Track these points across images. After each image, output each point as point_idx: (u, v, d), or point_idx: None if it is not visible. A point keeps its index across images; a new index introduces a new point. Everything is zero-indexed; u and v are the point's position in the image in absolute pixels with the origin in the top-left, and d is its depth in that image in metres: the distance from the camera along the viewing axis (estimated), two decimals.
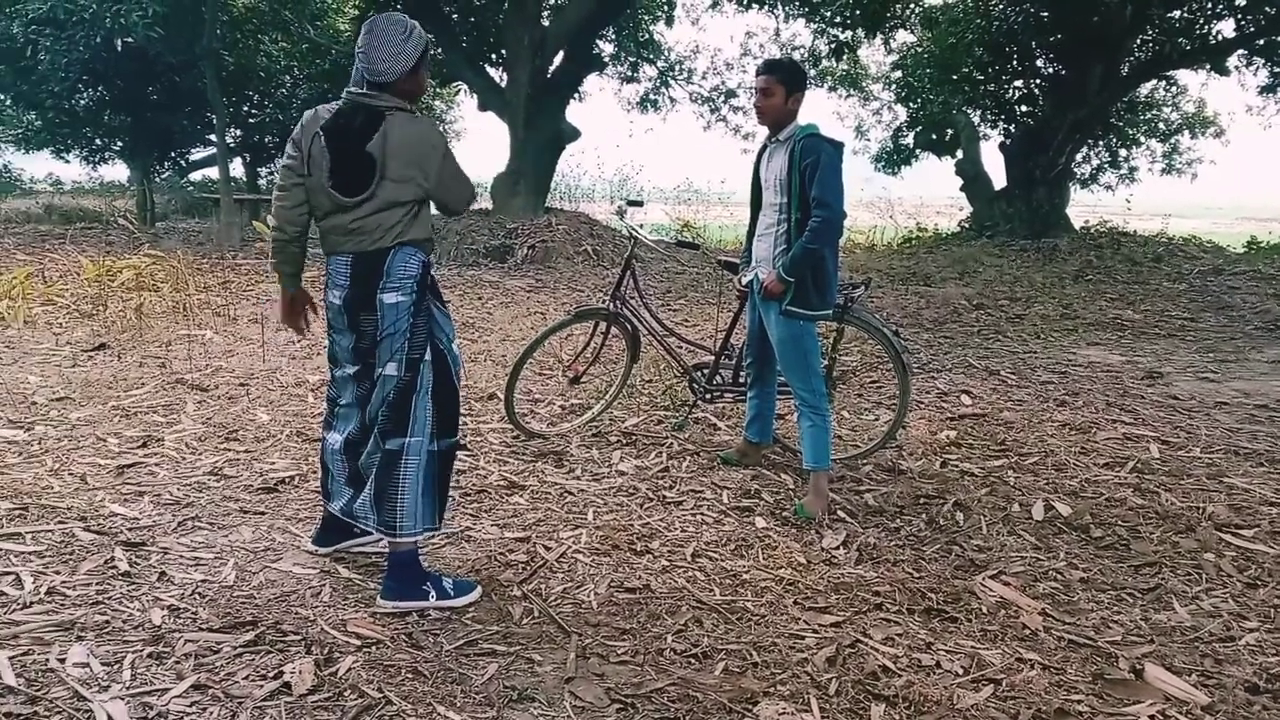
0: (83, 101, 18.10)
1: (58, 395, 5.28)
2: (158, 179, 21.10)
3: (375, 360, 2.98)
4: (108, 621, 2.75)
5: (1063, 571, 3.35)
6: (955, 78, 16.02)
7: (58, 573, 3.05)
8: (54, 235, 15.19)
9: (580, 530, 3.62)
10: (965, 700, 2.49)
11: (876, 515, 3.89)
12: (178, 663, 2.55)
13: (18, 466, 4.08)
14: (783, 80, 3.82)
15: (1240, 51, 15.61)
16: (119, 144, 19.97)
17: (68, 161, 20.97)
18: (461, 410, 3.75)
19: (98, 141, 19.90)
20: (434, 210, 3.12)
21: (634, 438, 4.88)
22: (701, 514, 3.85)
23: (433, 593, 2.97)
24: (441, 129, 2.85)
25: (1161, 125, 20.72)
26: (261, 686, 2.44)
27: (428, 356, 3.00)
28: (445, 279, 11.41)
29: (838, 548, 3.53)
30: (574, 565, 3.31)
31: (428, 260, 3.05)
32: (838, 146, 3.82)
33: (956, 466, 4.54)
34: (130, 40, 13.75)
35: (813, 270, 3.78)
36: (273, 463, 4.29)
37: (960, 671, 2.65)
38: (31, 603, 2.84)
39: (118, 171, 25.11)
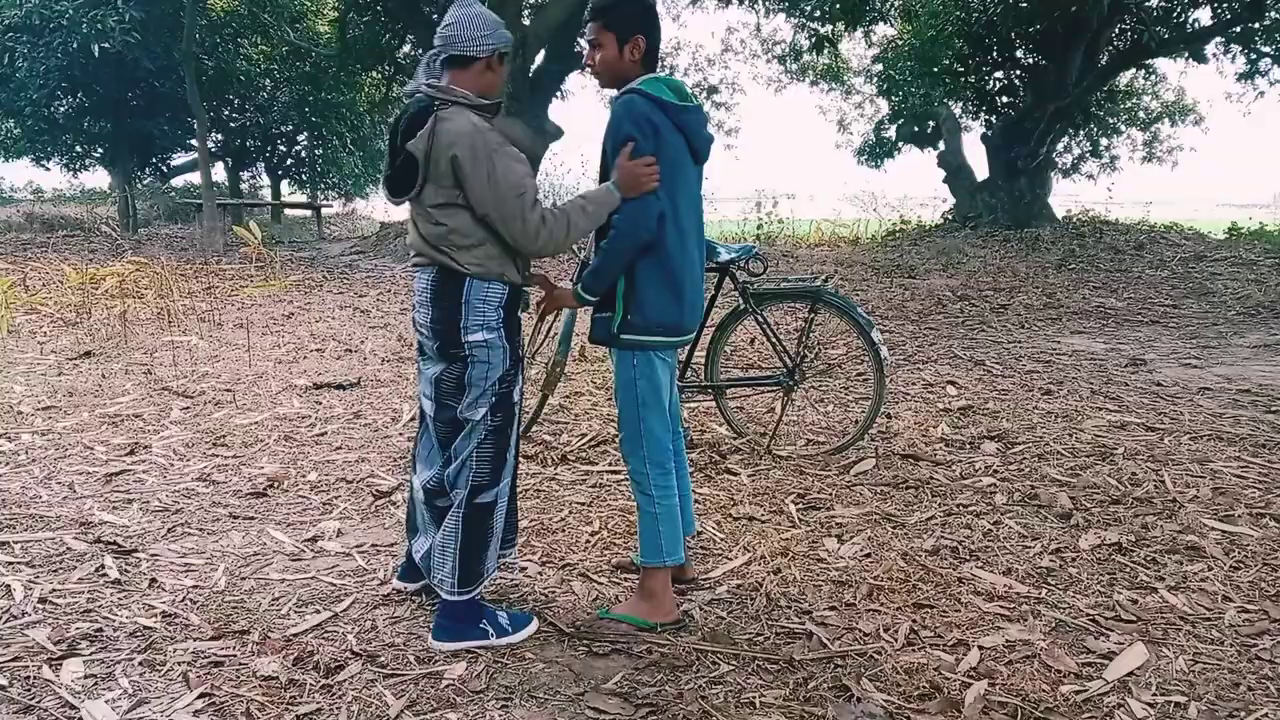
0: (62, 108, 18.00)
1: (43, 404, 5.25)
2: (139, 185, 20.99)
3: (458, 400, 2.72)
4: (99, 630, 2.75)
5: (1050, 558, 3.38)
6: (936, 70, 16.07)
7: (48, 582, 3.04)
8: (36, 244, 15.09)
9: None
10: (956, 687, 2.51)
11: (865, 505, 3.91)
12: (170, 670, 2.54)
13: (5, 476, 4.06)
14: (609, 25, 2.80)
15: (1218, 39, 15.73)
16: (99, 150, 19.88)
17: (48, 169, 20.88)
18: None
19: (78, 148, 19.80)
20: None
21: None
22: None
23: (491, 631, 2.73)
24: (502, 137, 2.64)
25: (1141, 114, 20.86)
26: (259, 692, 2.44)
27: (515, 398, 2.78)
28: None
29: (828, 539, 3.55)
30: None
31: (512, 296, 2.74)
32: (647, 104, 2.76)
33: (943, 456, 4.56)
34: (108, 46, 13.68)
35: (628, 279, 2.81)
36: (261, 467, 4.28)
37: (952, 659, 2.67)
38: (23, 612, 2.83)
39: (99, 178, 25.05)
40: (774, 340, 4.61)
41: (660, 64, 3.01)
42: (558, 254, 3.01)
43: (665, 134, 2.75)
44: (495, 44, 2.67)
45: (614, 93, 2.87)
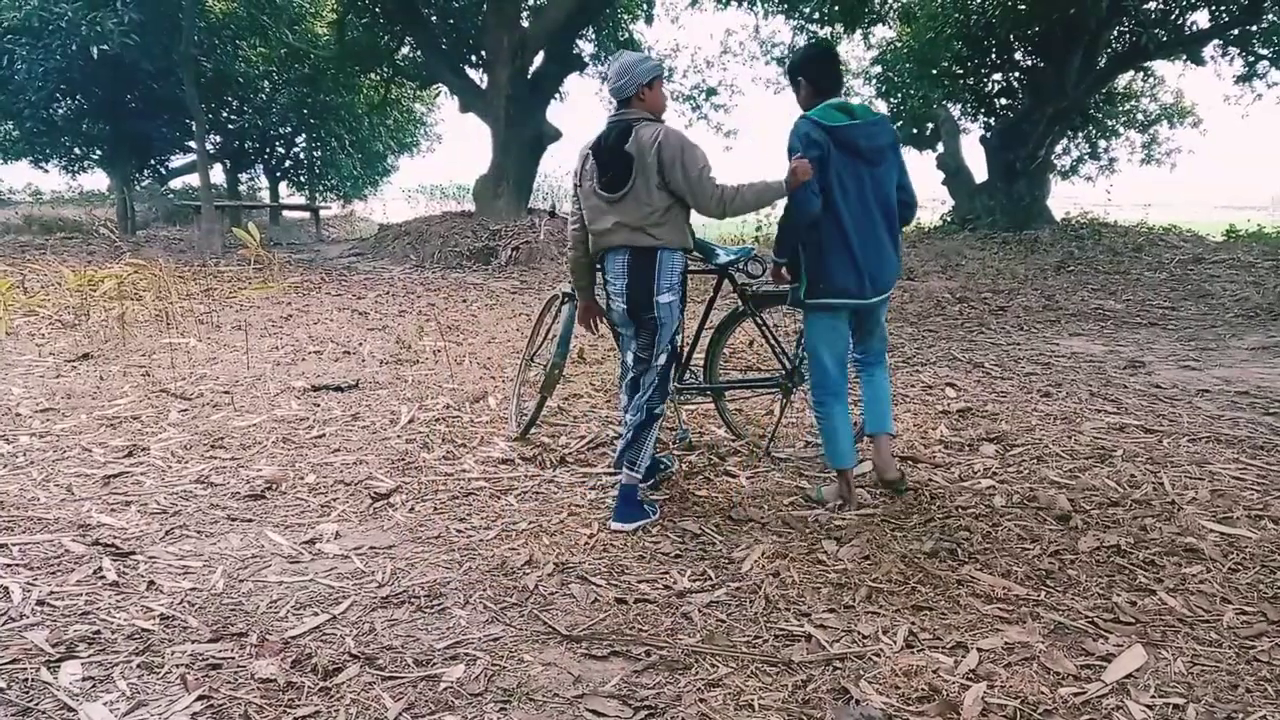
0: (60, 110, 17.99)
1: (42, 406, 5.25)
2: (138, 187, 20.97)
3: (652, 351, 3.72)
4: (97, 632, 2.74)
5: (1049, 560, 3.38)
6: (934, 72, 16.10)
7: (46, 584, 3.04)
8: (34, 245, 15.09)
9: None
10: (955, 689, 2.51)
11: (864, 507, 3.91)
12: (168, 672, 2.54)
13: (3, 478, 4.06)
14: (791, 76, 4.01)
15: (1215, 42, 15.76)
16: (98, 152, 19.87)
17: (46, 171, 20.86)
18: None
19: (76, 150, 19.78)
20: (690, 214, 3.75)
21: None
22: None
23: (650, 514, 3.75)
24: (684, 134, 3.67)
25: (1140, 116, 20.86)
26: (257, 695, 2.44)
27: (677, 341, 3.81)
28: (429, 282, 11.40)
29: (827, 541, 3.55)
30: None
31: (687, 262, 3.82)
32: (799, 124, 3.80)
33: (942, 458, 4.56)
34: (107, 48, 13.68)
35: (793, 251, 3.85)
36: (259, 469, 4.28)
37: (951, 662, 2.67)
38: (21, 614, 2.82)
39: (97, 180, 25.03)
40: (773, 342, 4.61)
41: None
42: (728, 217, 3.88)
43: (823, 144, 3.65)
44: (639, 78, 3.65)
45: None
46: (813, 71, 3.89)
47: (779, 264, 3.92)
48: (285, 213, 23.15)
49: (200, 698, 2.42)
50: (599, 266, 3.88)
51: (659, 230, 3.61)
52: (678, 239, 3.67)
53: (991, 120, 17.27)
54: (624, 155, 3.58)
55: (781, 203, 3.82)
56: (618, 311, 3.78)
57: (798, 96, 3.93)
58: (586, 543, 3.51)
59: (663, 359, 3.73)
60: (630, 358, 3.85)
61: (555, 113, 43.21)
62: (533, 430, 4.87)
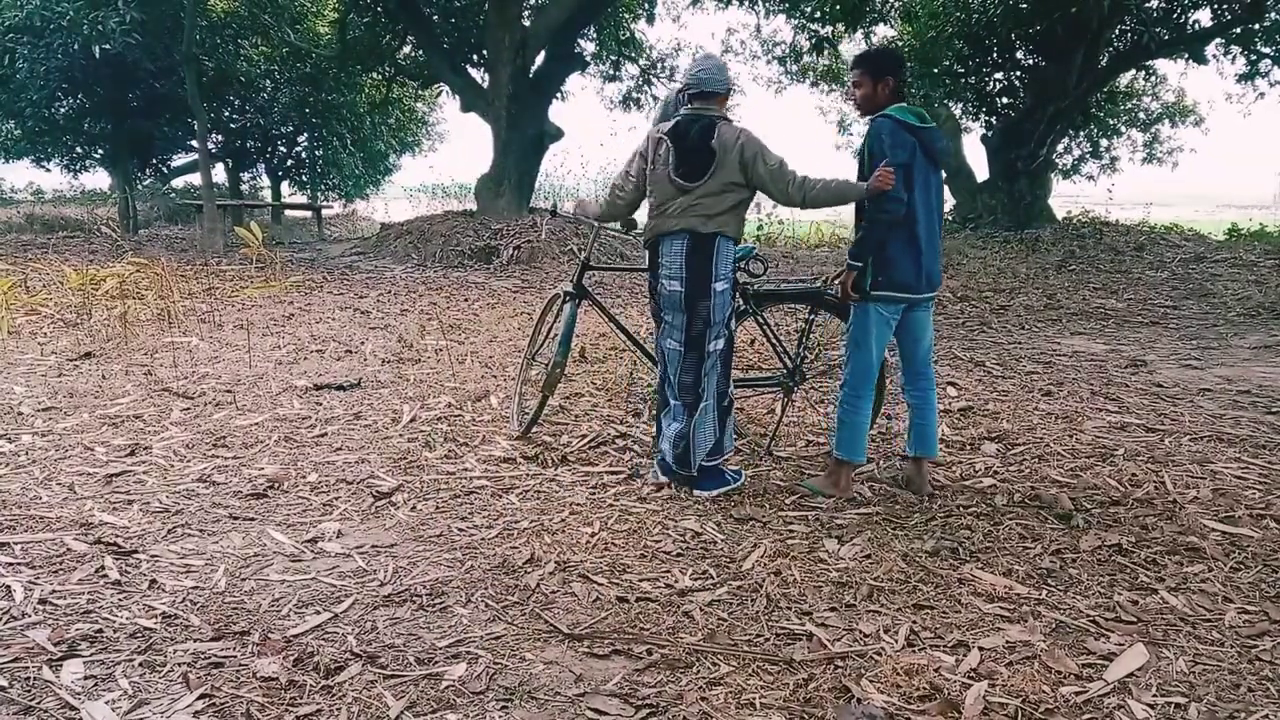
0: (62, 109, 17.98)
1: (44, 405, 5.26)
2: (139, 186, 20.97)
3: (706, 338, 3.95)
4: (99, 630, 2.75)
5: (1050, 559, 3.38)
6: (936, 71, 16.07)
7: (49, 583, 3.04)
8: (36, 244, 15.09)
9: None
10: (956, 688, 2.51)
11: (866, 506, 3.91)
12: (170, 671, 2.54)
13: (6, 477, 4.06)
14: (867, 70, 3.99)
15: (1218, 40, 15.73)
16: (99, 151, 19.85)
17: (48, 170, 20.85)
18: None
19: (78, 149, 19.77)
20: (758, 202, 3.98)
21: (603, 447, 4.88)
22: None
23: (732, 479, 4.05)
24: (756, 134, 3.96)
25: (1141, 115, 20.83)
26: (259, 693, 2.44)
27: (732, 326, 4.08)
28: (431, 281, 11.40)
29: (828, 540, 3.55)
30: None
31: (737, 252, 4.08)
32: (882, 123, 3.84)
33: (943, 456, 4.56)
34: (108, 47, 13.67)
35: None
36: (261, 468, 4.28)
37: (952, 661, 2.67)
38: (23, 613, 2.83)
39: (99, 179, 25.00)
40: (774, 341, 4.61)
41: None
42: (808, 208, 4.10)
43: (911, 146, 3.77)
44: (729, 82, 4.04)
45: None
46: (903, 72, 4.00)
47: (855, 268, 3.88)
48: (287, 212, 23.13)
49: (202, 696, 2.42)
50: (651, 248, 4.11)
51: (723, 219, 3.90)
52: (735, 229, 3.98)
53: (993, 119, 17.24)
54: (708, 149, 3.85)
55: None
56: (668, 295, 3.96)
57: (870, 92, 3.93)
58: (588, 541, 3.51)
59: (720, 343, 3.97)
60: (670, 344, 4.03)
61: (557, 112, 43.21)
62: (535, 429, 4.87)
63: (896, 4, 16.60)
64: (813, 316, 4.57)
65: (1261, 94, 16.74)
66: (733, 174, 3.86)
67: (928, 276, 3.90)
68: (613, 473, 4.31)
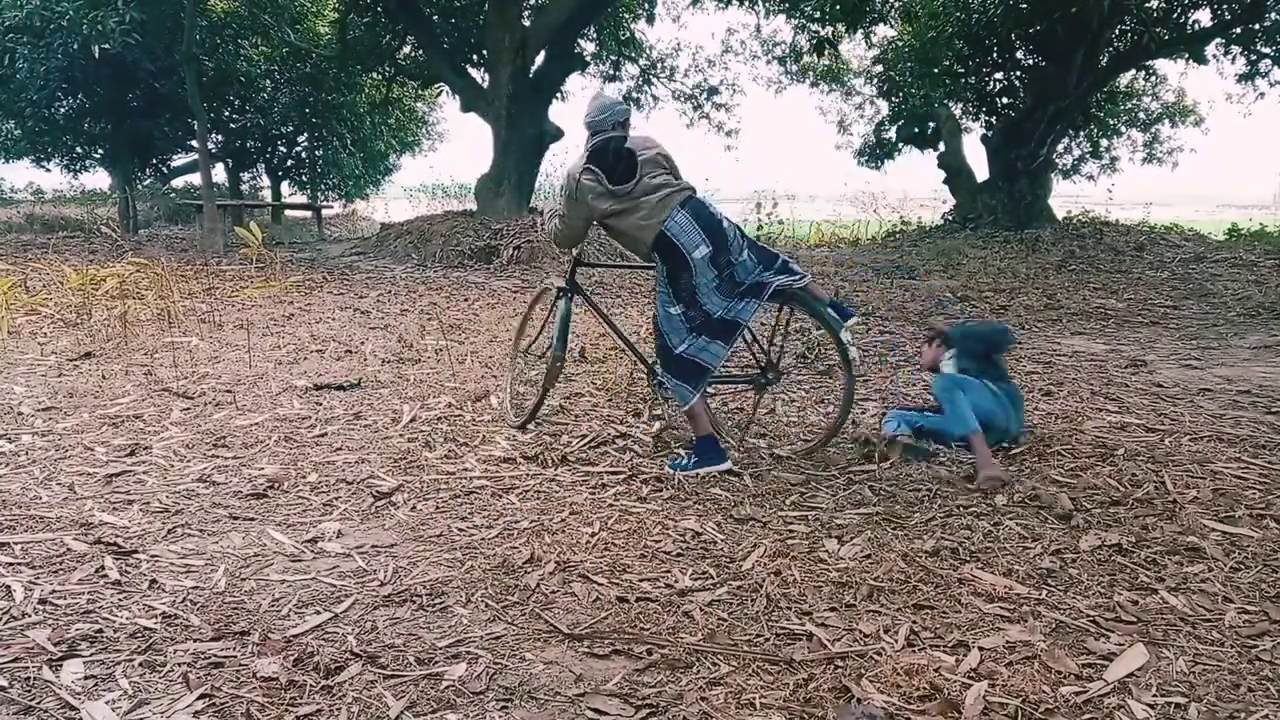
0: (62, 109, 17.99)
1: (44, 405, 5.26)
2: (139, 186, 20.97)
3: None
4: (99, 630, 2.74)
5: (1050, 559, 3.38)
6: (936, 71, 16.08)
7: (48, 583, 3.04)
8: (36, 244, 15.10)
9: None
10: (956, 688, 2.51)
11: (866, 506, 3.91)
12: (170, 671, 2.54)
13: (5, 477, 4.06)
14: None
15: (1218, 40, 15.73)
16: (99, 151, 19.86)
17: (48, 170, 20.85)
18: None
19: (78, 149, 19.78)
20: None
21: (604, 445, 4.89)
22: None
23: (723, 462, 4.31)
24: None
25: (1142, 115, 20.84)
26: (259, 693, 2.44)
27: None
28: (431, 281, 11.40)
29: (828, 540, 3.55)
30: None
31: None
32: None
33: (943, 456, 4.56)
34: (109, 47, 13.65)
35: None
36: (261, 468, 4.28)
37: (952, 661, 2.67)
38: (23, 613, 2.83)
39: (99, 179, 25.02)
40: (750, 339, 4.62)
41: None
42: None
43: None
44: (617, 118, 4.47)
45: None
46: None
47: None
48: (287, 212, 23.14)
49: (202, 696, 2.42)
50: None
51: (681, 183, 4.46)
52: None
53: (993, 119, 17.25)
54: (629, 154, 4.36)
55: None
56: (700, 260, 4.21)
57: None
58: (588, 541, 3.51)
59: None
60: (714, 304, 4.26)
61: (557, 112, 43.23)
62: (534, 428, 4.87)
63: (896, 4, 16.60)
64: (787, 314, 4.56)
65: (1261, 94, 16.74)
66: (661, 169, 4.37)
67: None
68: (613, 473, 4.31)
